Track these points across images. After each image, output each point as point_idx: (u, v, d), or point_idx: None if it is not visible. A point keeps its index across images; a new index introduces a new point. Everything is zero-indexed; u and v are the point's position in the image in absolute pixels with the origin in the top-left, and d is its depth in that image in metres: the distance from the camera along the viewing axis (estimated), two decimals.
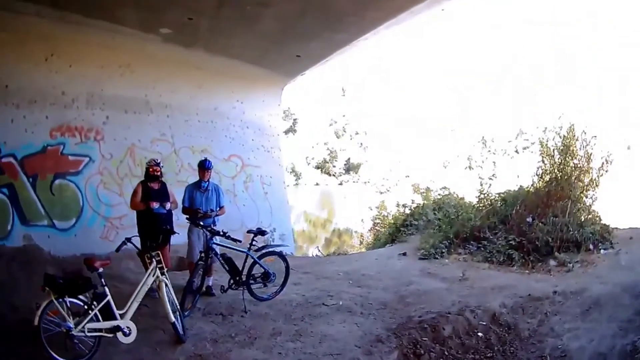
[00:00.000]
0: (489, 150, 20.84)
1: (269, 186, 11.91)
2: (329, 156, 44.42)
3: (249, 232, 7.19)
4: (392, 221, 13.21)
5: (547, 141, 10.04)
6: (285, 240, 11.94)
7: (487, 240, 9.29)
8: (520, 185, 10.88)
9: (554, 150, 9.82)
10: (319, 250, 13.35)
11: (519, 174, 11.23)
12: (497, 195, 10.81)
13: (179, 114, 10.95)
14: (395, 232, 12.26)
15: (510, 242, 8.78)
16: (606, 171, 9.32)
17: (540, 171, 10.00)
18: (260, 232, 7.12)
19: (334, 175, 44.77)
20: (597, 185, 9.38)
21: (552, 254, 8.30)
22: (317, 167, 44.15)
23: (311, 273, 8.61)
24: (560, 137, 9.80)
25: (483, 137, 21.06)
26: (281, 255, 7.31)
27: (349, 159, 45.26)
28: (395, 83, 38.50)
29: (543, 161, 9.94)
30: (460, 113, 22.29)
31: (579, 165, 9.52)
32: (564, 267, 7.78)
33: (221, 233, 6.76)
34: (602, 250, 8.11)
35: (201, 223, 7.03)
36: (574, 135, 9.64)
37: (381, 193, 19.24)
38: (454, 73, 26.97)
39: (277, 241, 11.68)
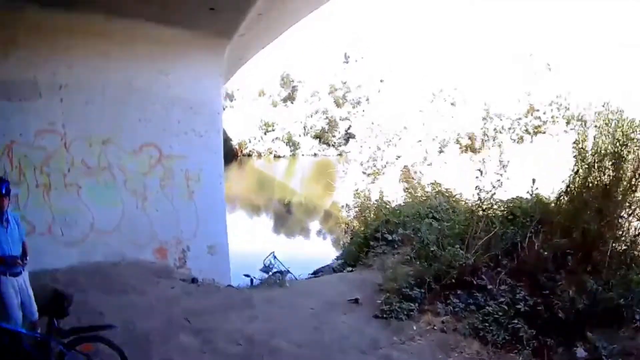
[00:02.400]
0: (495, 129, 17.12)
1: (197, 182, 8.58)
2: (328, 125, 40.89)
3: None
4: (362, 230, 9.69)
5: (583, 139, 6.34)
6: (217, 254, 8.70)
7: (483, 290, 5.85)
8: (536, 194, 7.38)
9: (599, 152, 6.01)
10: (274, 258, 10.05)
11: (534, 172, 7.84)
12: (503, 207, 7.38)
13: (78, 94, 7.81)
14: (364, 245, 8.83)
15: (519, 304, 5.35)
16: None
17: (572, 186, 6.34)
18: (57, 309, 3.98)
19: (333, 146, 41.31)
20: None
21: (582, 332, 4.88)
22: (316, 137, 40.73)
23: (200, 335, 5.45)
24: (607, 132, 6.06)
25: (487, 112, 17.40)
26: (108, 342, 4.29)
27: (349, 127, 41.70)
28: (401, 53, 34.53)
29: (577, 172, 6.25)
30: (464, 86, 18.43)
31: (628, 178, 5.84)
32: None
33: None
34: None
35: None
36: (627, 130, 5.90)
37: (368, 175, 15.67)
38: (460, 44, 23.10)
39: (203, 255, 8.52)
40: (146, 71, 8.37)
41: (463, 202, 9.02)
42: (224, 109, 39.27)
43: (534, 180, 7.36)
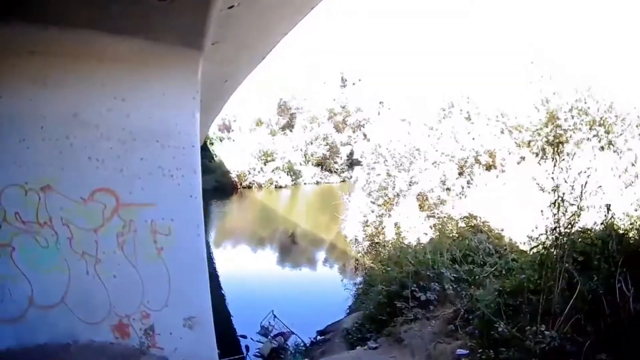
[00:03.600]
0: (516, 142, 15.18)
1: (167, 236, 6.57)
2: (329, 152, 39.00)
3: None
4: (383, 284, 7.47)
5: None
6: (197, 328, 6.64)
7: None
8: (610, 224, 5.49)
9: None
10: (274, 318, 8.04)
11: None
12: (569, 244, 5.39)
13: (10, 130, 6.12)
14: (387, 304, 6.71)
15: None
16: None
17: None
18: None
19: (335, 172, 39.37)
20: None
21: None
22: (317, 164, 38.78)
23: None
24: None
25: (505, 124, 15.48)
26: None
27: (351, 153, 39.91)
28: (399, 71, 33.12)
29: None
30: (476, 98, 16.61)
31: None
32: None
33: None
34: None
35: None
36: None
37: (378, 205, 13.71)
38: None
39: (178, 331, 6.49)
40: (97, 97, 6.55)
41: (507, 240, 7.02)
42: (220, 141, 37.65)
43: (608, 208, 5.44)
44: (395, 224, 10.07)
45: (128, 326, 6.24)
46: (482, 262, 6.36)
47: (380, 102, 49.70)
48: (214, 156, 36.62)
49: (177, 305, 6.48)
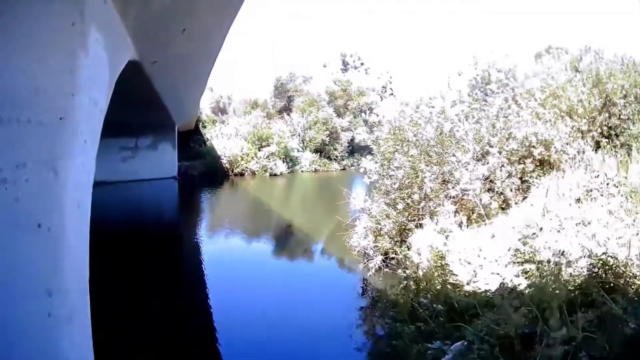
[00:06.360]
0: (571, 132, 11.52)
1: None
2: (328, 137, 35.11)
3: None
4: None
5: None
6: None
7: None
8: None
9: None
10: None
11: None
12: None
13: None
14: None
15: None
16: None
17: None
18: None
19: (335, 160, 35.62)
20: None
21: None
22: (316, 151, 34.92)
23: None
24: None
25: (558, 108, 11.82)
26: None
27: (352, 139, 36.25)
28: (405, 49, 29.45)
29: None
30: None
31: None
32: None
33: None
34: None
35: None
36: None
37: (397, 211, 9.98)
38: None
39: None
40: None
41: None
42: (213, 124, 33.77)
43: None
44: (434, 250, 6.43)
45: None
46: None
47: (382, 87, 45.97)
48: (206, 140, 32.91)
49: None
